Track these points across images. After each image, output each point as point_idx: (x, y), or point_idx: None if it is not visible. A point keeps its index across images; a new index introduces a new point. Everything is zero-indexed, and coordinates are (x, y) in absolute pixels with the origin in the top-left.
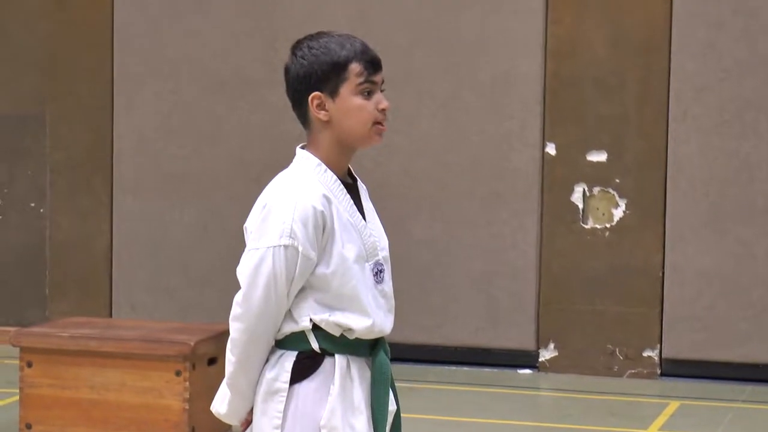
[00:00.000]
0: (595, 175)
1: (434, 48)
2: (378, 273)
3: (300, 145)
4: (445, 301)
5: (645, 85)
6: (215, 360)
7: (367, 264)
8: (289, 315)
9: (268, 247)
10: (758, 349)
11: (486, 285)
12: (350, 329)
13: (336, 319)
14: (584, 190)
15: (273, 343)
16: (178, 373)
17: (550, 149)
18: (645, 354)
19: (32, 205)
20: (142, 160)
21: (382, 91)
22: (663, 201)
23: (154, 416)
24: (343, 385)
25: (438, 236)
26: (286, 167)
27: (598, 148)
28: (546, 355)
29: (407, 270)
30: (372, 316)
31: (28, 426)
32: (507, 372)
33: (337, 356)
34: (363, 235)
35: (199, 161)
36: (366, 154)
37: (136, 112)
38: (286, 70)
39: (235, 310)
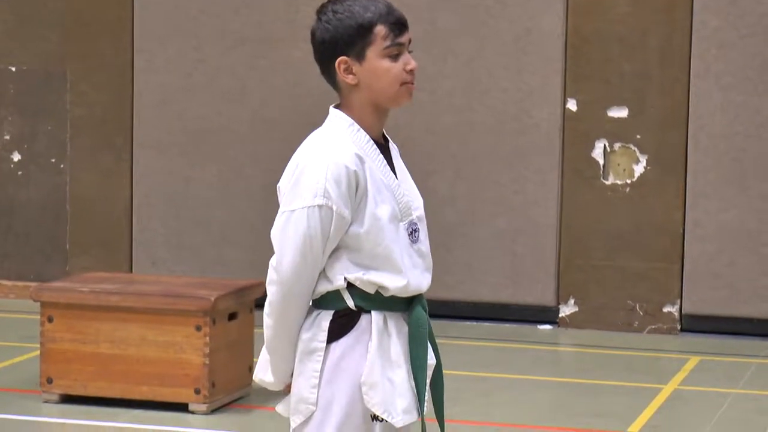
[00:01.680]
0: (616, 132)
1: (456, 6)
2: (413, 232)
3: (333, 104)
4: (467, 258)
5: (667, 41)
6: (235, 315)
7: (401, 224)
8: (323, 275)
9: (302, 208)
10: None
11: (508, 242)
12: (385, 287)
13: (370, 278)
14: (605, 146)
15: (309, 303)
16: (198, 328)
17: (572, 105)
18: (665, 310)
19: (53, 161)
20: (162, 117)
21: (409, 51)
22: (684, 157)
23: (175, 371)
24: (380, 341)
25: (461, 193)
26: (308, 124)
27: (620, 104)
28: (566, 310)
29: (430, 227)
30: (407, 275)
31: (49, 380)
32: (527, 327)
33: (373, 313)
34: (396, 195)
35: (221, 119)
36: (390, 112)
37: (157, 70)
38: (312, 35)
39: (271, 274)
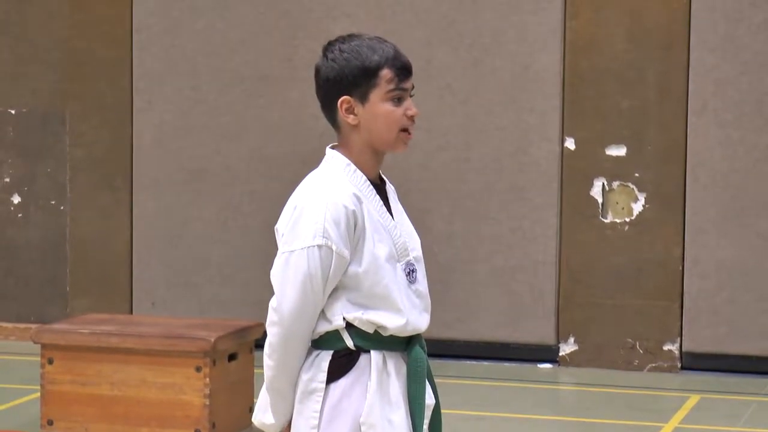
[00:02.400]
0: (615, 169)
1: (454, 43)
2: (410, 273)
3: (330, 145)
4: (465, 296)
5: (664, 78)
6: (235, 356)
7: (398, 264)
8: (322, 315)
9: (302, 249)
10: None
11: (506, 279)
12: (384, 327)
13: (369, 317)
14: (604, 184)
15: (309, 344)
16: (198, 369)
17: (570, 144)
18: (665, 348)
19: (52, 202)
20: (161, 156)
21: (411, 96)
22: (683, 194)
23: (175, 412)
24: (379, 381)
25: (458, 231)
26: (305, 163)
27: (618, 142)
28: (566, 349)
29: (428, 264)
30: (405, 314)
31: (50, 422)
32: (527, 366)
33: (372, 352)
34: (393, 236)
35: (219, 157)
36: None
37: (155, 110)
38: (317, 71)
39: (271, 315)
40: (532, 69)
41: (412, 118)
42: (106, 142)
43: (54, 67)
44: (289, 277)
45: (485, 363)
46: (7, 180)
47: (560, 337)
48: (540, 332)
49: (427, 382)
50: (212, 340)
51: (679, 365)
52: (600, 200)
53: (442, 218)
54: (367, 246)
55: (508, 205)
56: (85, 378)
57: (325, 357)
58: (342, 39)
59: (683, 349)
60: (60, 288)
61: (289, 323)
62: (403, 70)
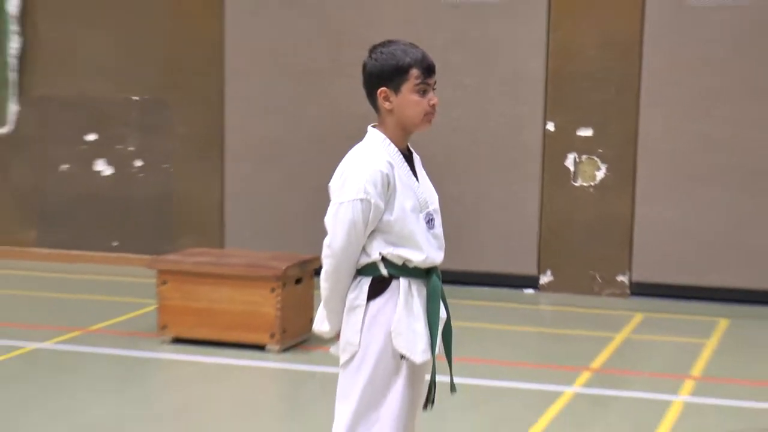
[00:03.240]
0: (583, 147)
1: (466, 49)
2: (429, 221)
3: (371, 124)
4: (472, 240)
5: (623, 79)
6: (300, 280)
7: (420, 214)
8: (363, 251)
9: (348, 201)
10: (706, 276)
11: (502, 228)
12: (409, 260)
13: (398, 253)
14: (575, 157)
15: (354, 272)
16: (272, 290)
17: (550, 126)
18: (618, 279)
19: (164, 166)
20: (244, 132)
21: (433, 89)
22: (634, 167)
23: (256, 321)
24: (406, 300)
25: (468, 194)
26: (349, 137)
27: (586, 126)
28: (544, 279)
29: (445, 217)
30: (425, 251)
31: (164, 327)
32: (516, 291)
33: (401, 279)
34: (417, 193)
35: (286, 133)
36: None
37: (240, 97)
38: (363, 67)
39: (325, 250)
40: (523, 70)
41: (433, 107)
42: (203, 122)
43: (158, 63)
44: (338, 221)
45: (486, 288)
46: (132, 149)
47: (540, 270)
48: (526, 266)
49: (441, 302)
50: (283, 268)
51: (629, 292)
52: (572, 169)
53: (456, 184)
54: (397, 200)
55: (504, 173)
56: (190, 295)
57: (365, 282)
58: (383, 44)
59: (632, 280)
60: (168, 230)
61: (338, 256)
62: (428, 70)
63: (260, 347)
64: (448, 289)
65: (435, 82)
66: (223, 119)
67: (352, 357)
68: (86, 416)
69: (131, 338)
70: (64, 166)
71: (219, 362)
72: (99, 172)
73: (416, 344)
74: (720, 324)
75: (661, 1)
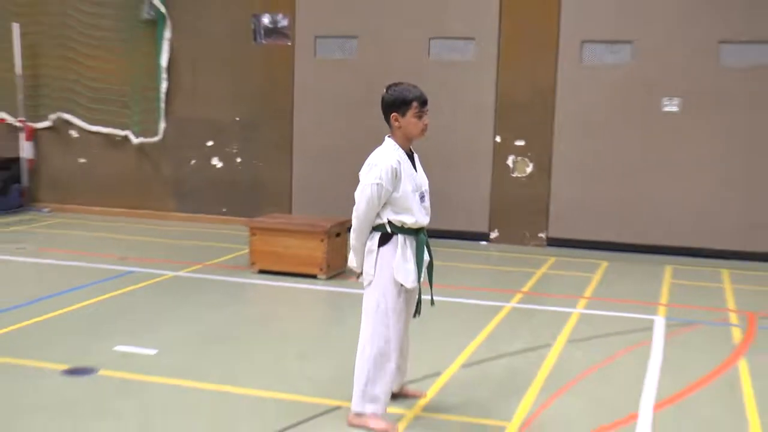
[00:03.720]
0: (518, 151)
1: (445, 89)
2: (422, 197)
3: (387, 135)
4: (448, 209)
5: (544, 109)
6: (339, 234)
7: (416, 193)
8: (378, 216)
9: (370, 184)
10: (594, 234)
11: (467, 202)
12: (405, 223)
13: (399, 218)
14: (513, 158)
15: (371, 229)
16: (321, 240)
17: (498, 139)
18: (539, 235)
19: (254, 162)
20: (305, 141)
21: (426, 114)
22: (549, 165)
23: (311, 260)
24: (402, 249)
25: (446, 179)
26: (375, 144)
27: (521, 138)
28: (493, 235)
29: (431, 195)
30: (416, 217)
31: (253, 263)
32: (473, 242)
33: (399, 235)
34: (414, 179)
35: (334, 142)
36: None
37: (304, 118)
38: (382, 99)
39: (353, 215)
40: (481, 103)
41: (426, 126)
42: (279, 133)
43: (254, 97)
44: (362, 196)
45: (455, 240)
46: (235, 150)
47: (490, 229)
48: (481, 226)
49: (426, 250)
50: (328, 226)
51: (545, 244)
52: (511, 166)
53: (439, 172)
54: (402, 184)
55: (468, 167)
56: (270, 243)
57: (377, 235)
58: (394, 84)
59: (548, 236)
60: (257, 202)
61: (361, 219)
62: (423, 103)
63: (313, 276)
64: (432, 241)
65: (427, 110)
66: (292, 132)
67: (370, 283)
68: (206, 320)
69: (233, 270)
70: (193, 161)
71: (288, 285)
72: (214, 165)
73: (408, 276)
74: (602, 264)
75: (567, 62)
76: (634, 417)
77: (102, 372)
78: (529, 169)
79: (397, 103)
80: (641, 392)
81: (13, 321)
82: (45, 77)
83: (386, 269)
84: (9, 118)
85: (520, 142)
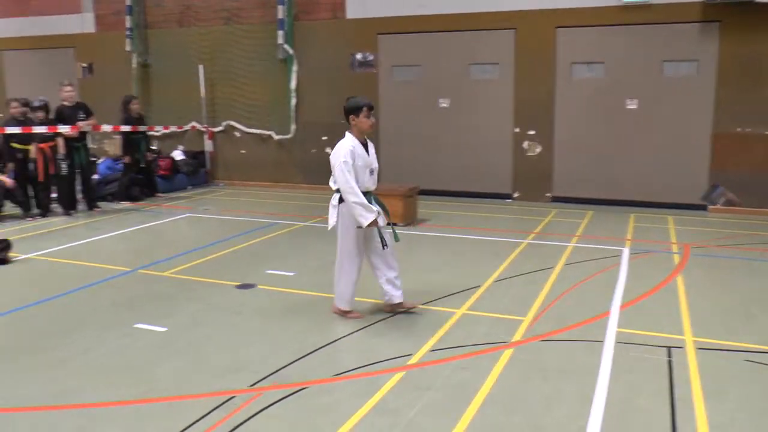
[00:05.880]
0: (531, 138)
1: (483, 96)
2: (371, 172)
3: (347, 130)
4: (484, 178)
5: (546, 110)
6: (411, 195)
7: (367, 169)
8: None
9: (341, 162)
10: (583, 192)
11: (496, 173)
12: (359, 186)
13: (357, 184)
14: (527, 142)
15: (358, 188)
16: (400, 199)
17: (516, 129)
18: (546, 194)
19: (327, 150)
20: (388, 130)
21: (372, 114)
22: (553, 146)
23: (395, 212)
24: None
25: (482, 157)
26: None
27: (533, 129)
28: (515, 195)
29: (474, 168)
30: (364, 184)
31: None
32: (499, 200)
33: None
34: (365, 159)
35: (406, 131)
36: (424, 148)
37: (387, 115)
38: (344, 107)
39: (339, 186)
40: (504, 104)
41: (372, 123)
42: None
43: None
44: (338, 171)
45: (488, 199)
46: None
47: (513, 191)
48: (506, 189)
49: (376, 203)
50: (403, 190)
51: (551, 200)
52: (526, 148)
53: (477, 152)
54: (357, 162)
55: (497, 149)
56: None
57: (338, 196)
58: (351, 96)
59: (553, 195)
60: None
61: (343, 186)
62: (371, 108)
63: (395, 224)
64: (470, 200)
65: (373, 113)
66: (378, 129)
67: (335, 227)
68: (318, 256)
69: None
70: (313, 150)
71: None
72: (327, 152)
73: (362, 222)
74: (588, 214)
75: (561, 77)
76: (607, 313)
77: (259, 286)
78: (538, 150)
79: (354, 109)
80: (612, 297)
81: (206, 254)
82: (219, 98)
83: (348, 217)
84: (198, 126)
85: (531, 132)
